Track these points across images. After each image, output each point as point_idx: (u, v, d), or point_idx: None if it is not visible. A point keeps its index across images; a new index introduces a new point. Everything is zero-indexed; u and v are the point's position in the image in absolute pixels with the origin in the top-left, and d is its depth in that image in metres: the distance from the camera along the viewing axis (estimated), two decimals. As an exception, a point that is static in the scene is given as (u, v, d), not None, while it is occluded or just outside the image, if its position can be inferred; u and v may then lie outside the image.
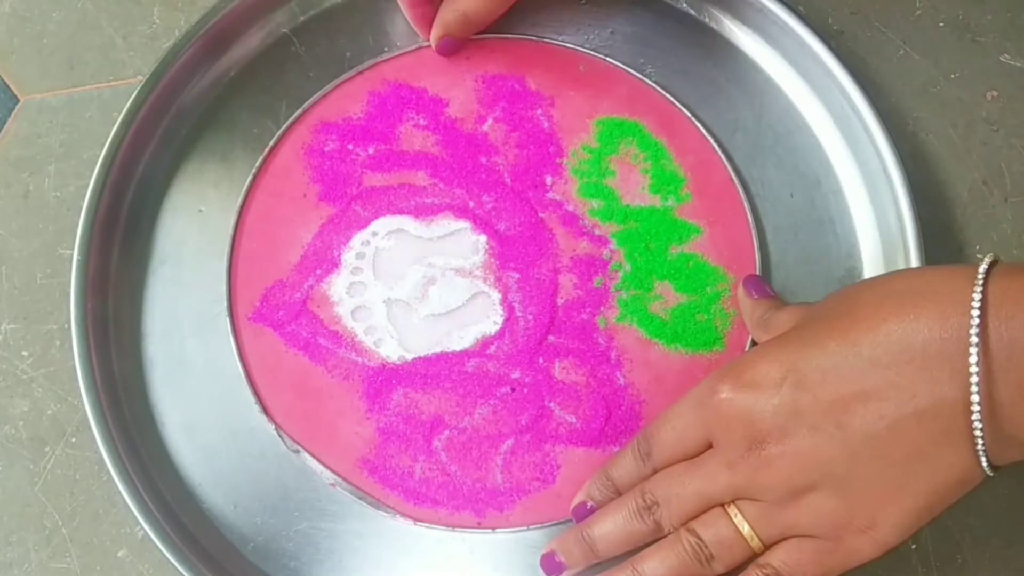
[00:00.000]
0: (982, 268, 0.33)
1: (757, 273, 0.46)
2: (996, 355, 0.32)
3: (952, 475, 0.34)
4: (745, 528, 0.37)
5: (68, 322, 0.44)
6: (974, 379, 0.32)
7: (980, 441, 0.33)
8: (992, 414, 0.33)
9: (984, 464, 0.34)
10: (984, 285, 0.33)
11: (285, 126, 0.48)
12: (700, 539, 0.38)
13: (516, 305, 0.46)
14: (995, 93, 0.50)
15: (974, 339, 0.32)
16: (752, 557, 0.38)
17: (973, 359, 0.32)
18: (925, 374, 0.33)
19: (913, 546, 0.44)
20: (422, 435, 0.44)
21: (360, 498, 0.43)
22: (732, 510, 0.37)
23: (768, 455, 0.36)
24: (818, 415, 0.35)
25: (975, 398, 0.33)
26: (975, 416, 0.33)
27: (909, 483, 0.34)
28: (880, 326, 0.34)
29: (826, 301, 0.39)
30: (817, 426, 0.35)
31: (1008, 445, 0.33)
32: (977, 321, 0.32)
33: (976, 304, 0.33)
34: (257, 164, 0.48)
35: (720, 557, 0.37)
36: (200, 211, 0.48)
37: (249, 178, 0.48)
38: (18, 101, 0.51)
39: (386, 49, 0.50)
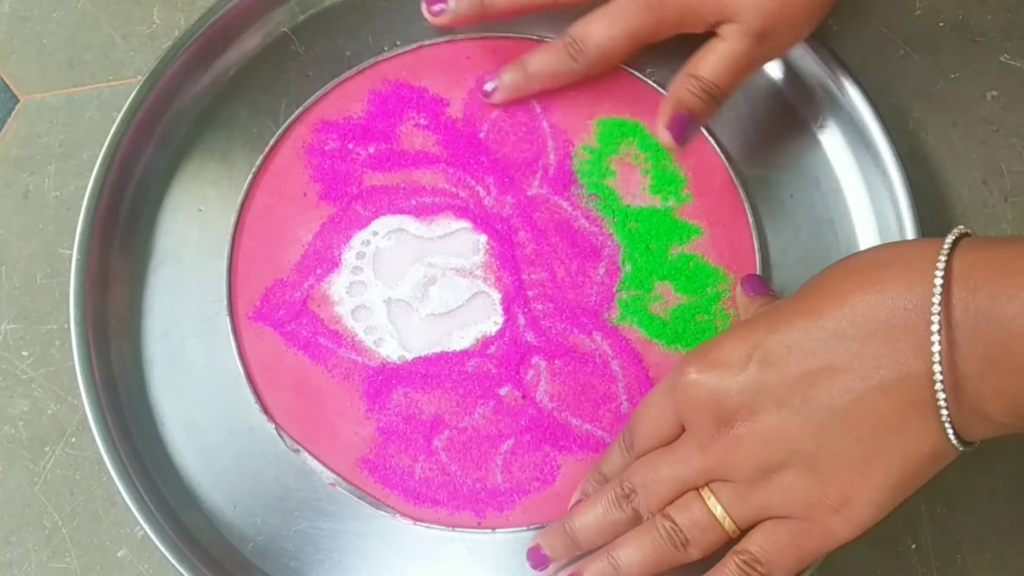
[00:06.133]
0: (948, 239, 0.33)
1: (757, 273, 0.46)
2: (962, 326, 0.32)
3: (922, 449, 0.34)
4: (718, 510, 0.37)
5: (68, 322, 0.44)
6: (936, 348, 0.32)
7: (945, 413, 0.33)
8: (957, 386, 0.32)
9: (952, 439, 0.33)
10: (950, 256, 0.33)
11: (285, 125, 0.48)
12: (675, 523, 0.37)
13: (516, 305, 0.46)
14: (995, 93, 0.50)
15: (936, 308, 0.32)
16: (728, 541, 0.38)
17: (935, 328, 0.32)
18: (890, 346, 0.33)
19: (913, 546, 0.44)
20: (422, 435, 0.44)
21: (360, 498, 0.43)
22: (705, 493, 0.37)
23: (737, 434, 0.36)
24: (784, 391, 0.35)
25: (937, 368, 0.32)
26: (938, 388, 0.32)
27: (879, 457, 0.34)
28: (845, 299, 0.34)
29: (802, 286, 0.38)
30: (783, 402, 0.35)
31: (977, 419, 0.33)
32: (940, 291, 0.32)
33: (940, 274, 0.32)
34: (257, 163, 0.48)
35: (695, 541, 0.37)
36: (200, 210, 0.48)
37: (249, 177, 0.48)
38: (18, 101, 0.51)
39: (386, 48, 0.50)
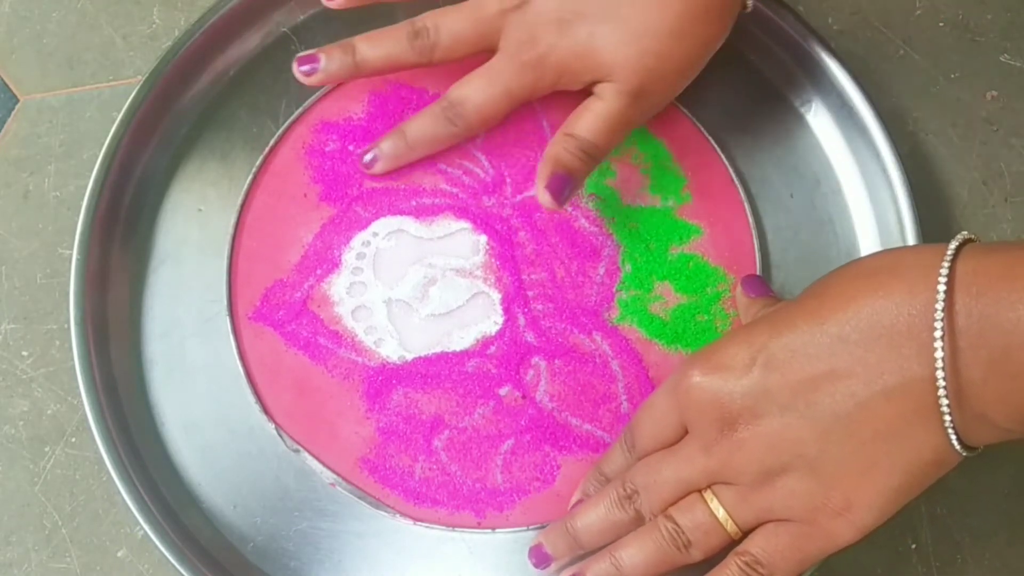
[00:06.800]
0: (952, 245, 0.33)
1: (757, 273, 0.46)
2: (965, 331, 0.32)
3: (925, 454, 0.34)
4: (721, 512, 0.37)
5: (68, 322, 0.44)
6: (939, 354, 0.32)
7: (948, 419, 0.33)
8: (960, 392, 0.33)
9: (955, 444, 0.33)
10: (953, 262, 0.33)
11: (285, 126, 0.48)
12: (677, 525, 0.38)
13: (516, 305, 0.46)
14: (995, 93, 0.50)
15: (939, 314, 0.32)
16: (730, 542, 0.38)
17: (938, 334, 0.32)
18: (893, 351, 0.33)
19: (913, 546, 0.44)
20: (422, 435, 0.44)
21: (360, 498, 0.43)
22: (708, 495, 0.37)
23: (740, 437, 0.36)
24: (787, 395, 0.35)
25: (940, 374, 0.32)
26: (941, 393, 0.32)
27: (882, 462, 0.34)
28: (849, 304, 0.34)
29: (804, 289, 0.38)
30: (787, 406, 0.35)
31: (980, 425, 0.33)
32: (943, 296, 0.32)
33: (943, 279, 0.32)
34: (257, 164, 0.48)
35: (697, 543, 0.38)
36: (200, 210, 0.48)
37: (249, 177, 0.48)
38: (18, 101, 0.51)
39: (386, 49, 0.50)
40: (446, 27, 0.44)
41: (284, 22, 0.51)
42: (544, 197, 0.43)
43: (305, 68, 0.46)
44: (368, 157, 0.47)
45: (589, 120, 0.43)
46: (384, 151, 0.47)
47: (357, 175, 0.48)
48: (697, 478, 0.37)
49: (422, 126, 0.46)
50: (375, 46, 0.45)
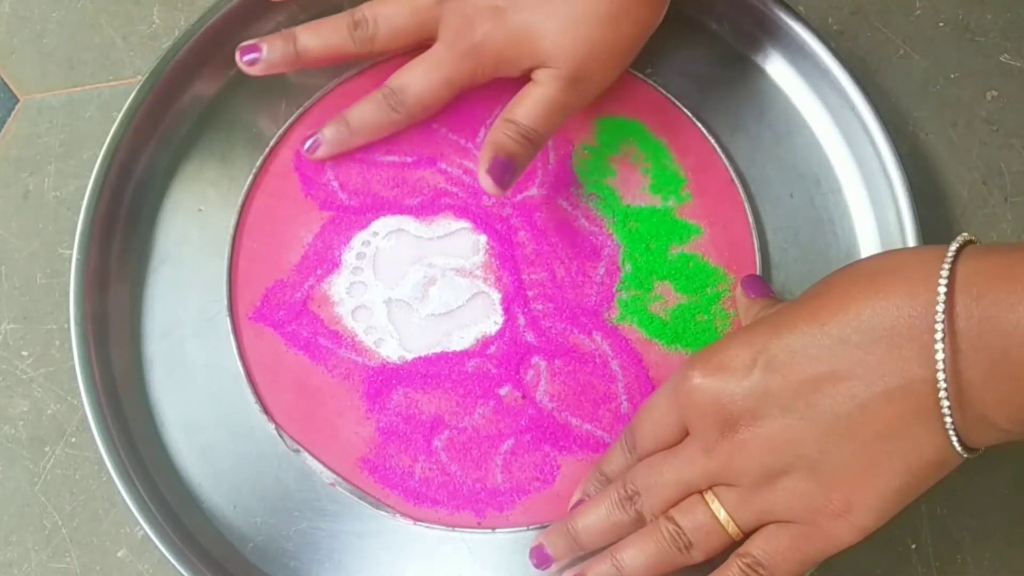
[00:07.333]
0: (953, 246, 0.33)
1: (757, 273, 0.46)
2: (966, 333, 0.32)
3: (925, 456, 0.34)
4: (722, 514, 0.37)
5: (68, 322, 0.44)
6: (940, 356, 0.32)
7: (949, 420, 0.33)
8: (961, 393, 0.33)
9: (956, 445, 0.33)
10: (954, 263, 0.33)
11: (285, 126, 0.48)
12: (678, 526, 0.38)
13: (516, 305, 0.46)
14: (995, 93, 0.50)
15: (940, 315, 0.32)
16: (731, 544, 0.38)
17: (939, 335, 0.32)
18: (894, 352, 0.33)
19: (913, 546, 0.44)
20: (422, 435, 0.44)
21: (360, 498, 0.43)
22: (709, 496, 0.38)
23: (741, 439, 0.36)
24: (788, 396, 0.35)
25: (941, 376, 0.32)
26: (942, 395, 0.32)
27: (883, 464, 0.34)
28: (850, 305, 0.34)
29: (805, 291, 0.38)
30: (788, 407, 0.35)
31: (981, 426, 0.33)
32: (944, 298, 0.32)
33: (943, 281, 0.32)
34: (257, 164, 0.48)
35: (698, 544, 0.38)
36: (200, 210, 0.48)
37: (249, 178, 0.48)
38: (18, 101, 0.51)
39: (386, 49, 0.50)
40: (384, 17, 0.45)
41: (284, 22, 0.51)
42: (486, 181, 0.43)
43: (247, 58, 0.46)
44: (309, 143, 0.47)
45: (528, 105, 0.44)
46: (326, 137, 0.47)
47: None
48: (698, 479, 0.37)
49: (364, 112, 0.47)
50: (316, 36, 0.46)
